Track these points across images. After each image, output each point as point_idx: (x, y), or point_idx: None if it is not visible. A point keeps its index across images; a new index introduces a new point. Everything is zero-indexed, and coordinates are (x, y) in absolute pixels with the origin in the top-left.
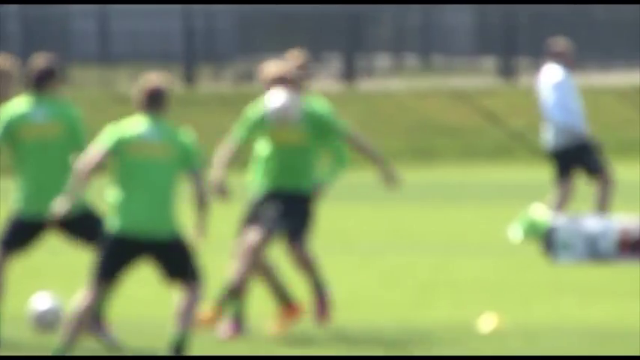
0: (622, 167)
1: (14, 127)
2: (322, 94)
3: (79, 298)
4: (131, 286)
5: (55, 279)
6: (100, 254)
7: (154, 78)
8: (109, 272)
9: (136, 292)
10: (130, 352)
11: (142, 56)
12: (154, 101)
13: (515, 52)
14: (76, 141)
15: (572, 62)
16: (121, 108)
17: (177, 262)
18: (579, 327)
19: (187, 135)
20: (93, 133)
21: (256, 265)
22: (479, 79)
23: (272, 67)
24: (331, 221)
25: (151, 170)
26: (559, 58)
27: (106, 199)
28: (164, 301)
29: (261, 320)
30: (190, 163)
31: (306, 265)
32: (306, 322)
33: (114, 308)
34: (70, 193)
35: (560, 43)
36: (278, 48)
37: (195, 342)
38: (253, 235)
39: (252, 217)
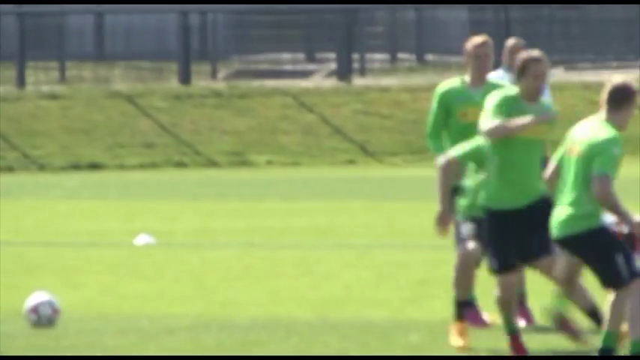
0: None
1: None
2: (317, 91)
3: None
4: (128, 283)
5: (52, 275)
6: None
7: (620, 78)
8: None
9: (133, 289)
10: (127, 351)
11: (138, 54)
12: (612, 99)
13: None
14: None
15: (511, 61)
16: (115, 105)
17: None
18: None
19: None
20: (88, 130)
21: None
22: None
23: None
24: (326, 217)
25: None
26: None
27: None
28: (162, 298)
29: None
30: (592, 164)
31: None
32: (302, 318)
33: (108, 304)
34: None
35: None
36: (273, 47)
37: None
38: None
39: None
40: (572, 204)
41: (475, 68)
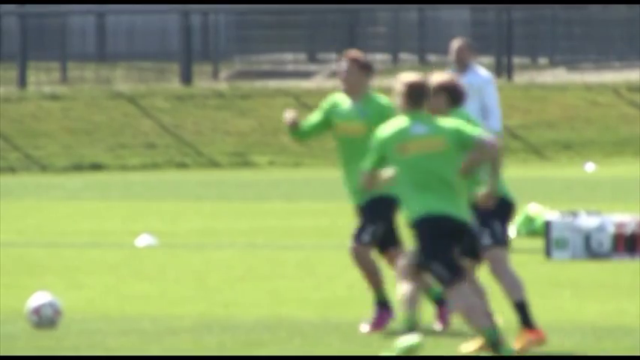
0: (618, 163)
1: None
2: (319, 92)
3: None
4: (130, 283)
5: (54, 275)
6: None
7: (412, 75)
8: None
9: (136, 289)
10: (129, 351)
11: (140, 55)
12: (417, 96)
13: (510, 51)
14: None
15: (459, 62)
16: (117, 105)
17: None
18: (575, 323)
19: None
20: (90, 130)
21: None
22: None
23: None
24: (328, 218)
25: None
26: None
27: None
28: (164, 299)
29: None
30: (466, 142)
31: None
32: (305, 318)
33: (110, 305)
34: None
35: (452, 45)
36: (275, 47)
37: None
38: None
39: None
40: (459, 194)
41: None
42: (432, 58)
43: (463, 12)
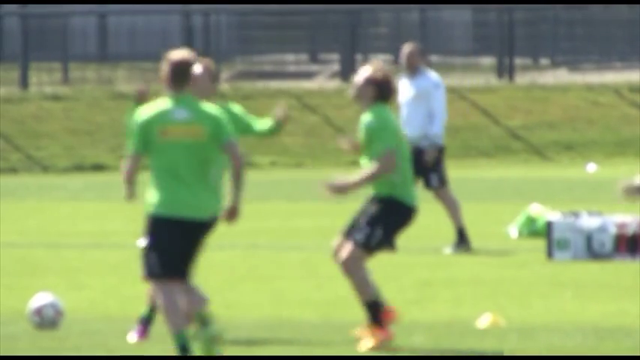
0: (620, 164)
1: None
2: (321, 92)
3: None
4: (131, 284)
5: (56, 276)
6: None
7: (179, 52)
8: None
9: (137, 290)
10: (131, 352)
11: (141, 55)
12: (181, 76)
13: (512, 51)
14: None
15: (410, 67)
16: (119, 106)
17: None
18: (576, 324)
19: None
20: (92, 131)
21: None
22: (477, 77)
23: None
24: (330, 218)
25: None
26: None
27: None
28: None
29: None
30: (220, 137)
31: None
32: (306, 319)
33: (112, 306)
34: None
35: (403, 49)
36: (276, 48)
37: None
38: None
39: None
40: (210, 188)
41: None
42: (433, 58)
43: (465, 12)
